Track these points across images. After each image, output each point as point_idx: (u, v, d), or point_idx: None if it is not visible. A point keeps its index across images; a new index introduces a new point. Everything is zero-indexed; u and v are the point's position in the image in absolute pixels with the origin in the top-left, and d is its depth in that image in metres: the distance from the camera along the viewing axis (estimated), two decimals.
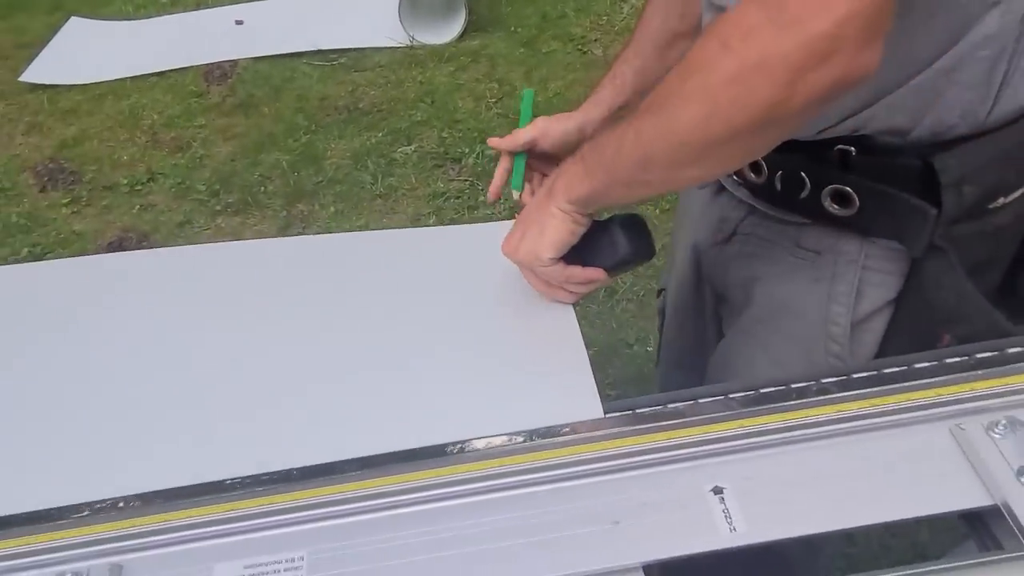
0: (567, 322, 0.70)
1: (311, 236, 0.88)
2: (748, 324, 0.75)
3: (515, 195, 0.85)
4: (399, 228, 0.87)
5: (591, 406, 0.61)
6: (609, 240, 0.68)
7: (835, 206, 0.65)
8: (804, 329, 0.70)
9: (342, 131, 2.54)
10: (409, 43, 2.87)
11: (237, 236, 2.20)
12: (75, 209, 2.37)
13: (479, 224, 0.87)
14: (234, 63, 2.90)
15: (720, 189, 0.78)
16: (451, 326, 0.71)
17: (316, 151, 2.47)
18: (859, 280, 0.66)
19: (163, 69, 2.91)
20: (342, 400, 0.63)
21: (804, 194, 0.66)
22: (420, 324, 0.72)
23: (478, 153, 2.37)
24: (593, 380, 0.64)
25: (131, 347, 0.72)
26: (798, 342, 0.71)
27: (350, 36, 2.92)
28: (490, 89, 2.66)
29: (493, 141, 0.85)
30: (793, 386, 0.59)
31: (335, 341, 0.70)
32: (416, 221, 2.18)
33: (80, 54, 3.07)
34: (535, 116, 0.85)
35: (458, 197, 2.25)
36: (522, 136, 0.82)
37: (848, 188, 0.63)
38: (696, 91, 0.51)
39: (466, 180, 2.31)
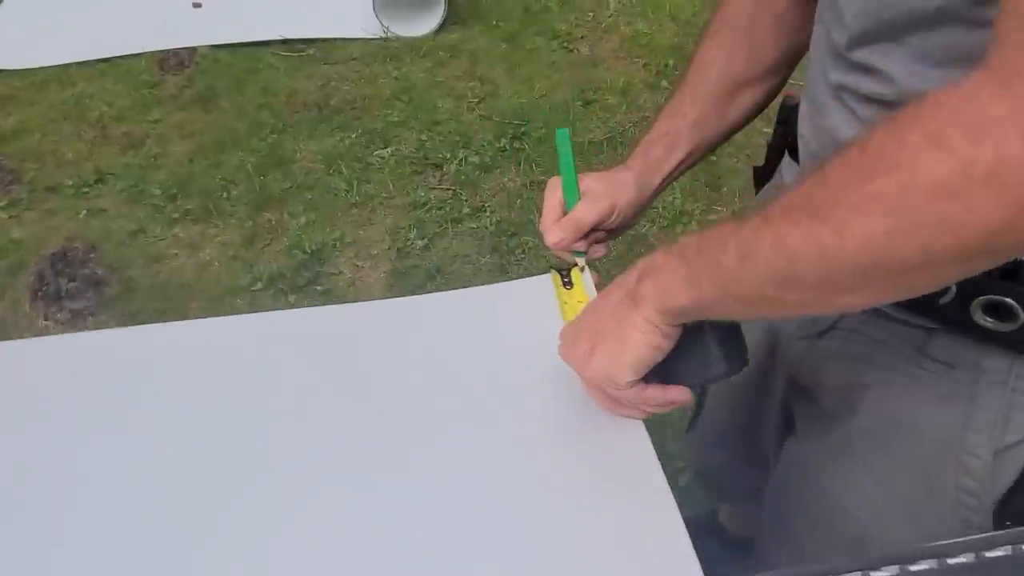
0: (640, 448, 0.56)
1: (309, 309, 0.71)
2: (849, 437, 0.62)
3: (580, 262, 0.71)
4: (411, 295, 0.72)
5: None
6: (700, 354, 0.54)
7: (988, 319, 0.52)
8: (927, 455, 0.57)
9: (312, 130, 2.35)
10: (383, 35, 2.68)
11: (197, 247, 2.01)
12: (13, 213, 2.13)
13: (518, 281, 0.72)
14: (192, 51, 2.68)
15: None
16: (477, 450, 0.57)
17: (284, 152, 2.28)
18: (1008, 405, 0.54)
19: (113, 55, 2.67)
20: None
21: (946, 300, 0.53)
22: (434, 444, 0.57)
23: (461, 159, 2.21)
24: (688, 542, 0.50)
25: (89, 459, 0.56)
26: (917, 468, 0.58)
27: (320, 25, 2.72)
28: (471, 88, 2.50)
29: (553, 238, 0.67)
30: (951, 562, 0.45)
31: (320, 478, 0.55)
32: (395, 234, 2.02)
33: (21, 35, 2.80)
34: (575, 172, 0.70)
35: (440, 207, 2.09)
36: (586, 217, 0.66)
37: (1011, 301, 0.50)
38: (882, 198, 0.37)
39: (448, 189, 2.15)
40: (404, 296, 0.67)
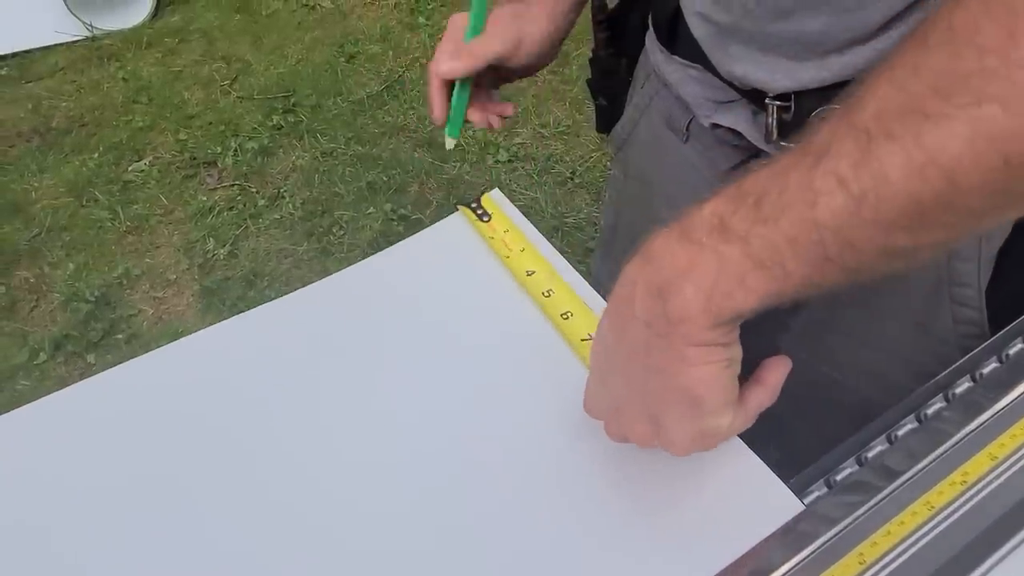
0: None
1: (218, 326, 0.55)
2: (831, 316, 0.59)
3: (449, 143, 0.60)
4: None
5: (776, 496, 0.42)
6: None
7: None
8: (918, 301, 0.55)
9: (40, 162, 1.97)
10: (89, 33, 2.29)
11: None
12: None
13: (425, 232, 0.60)
14: None
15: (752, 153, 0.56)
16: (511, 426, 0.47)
17: (14, 196, 1.89)
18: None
19: None
20: None
21: None
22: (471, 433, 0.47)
23: (235, 149, 1.97)
24: (754, 455, 0.44)
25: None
26: (908, 320, 0.56)
27: (4, 39, 2.26)
28: (218, 71, 2.22)
29: (442, 67, 0.56)
30: None
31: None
32: (189, 249, 1.76)
33: None
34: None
35: (231, 208, 1.85)
36: (488, 49, 0.56)
37: None
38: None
39: (233, 185, 1.91)
40: (225, 317, 0.56)
